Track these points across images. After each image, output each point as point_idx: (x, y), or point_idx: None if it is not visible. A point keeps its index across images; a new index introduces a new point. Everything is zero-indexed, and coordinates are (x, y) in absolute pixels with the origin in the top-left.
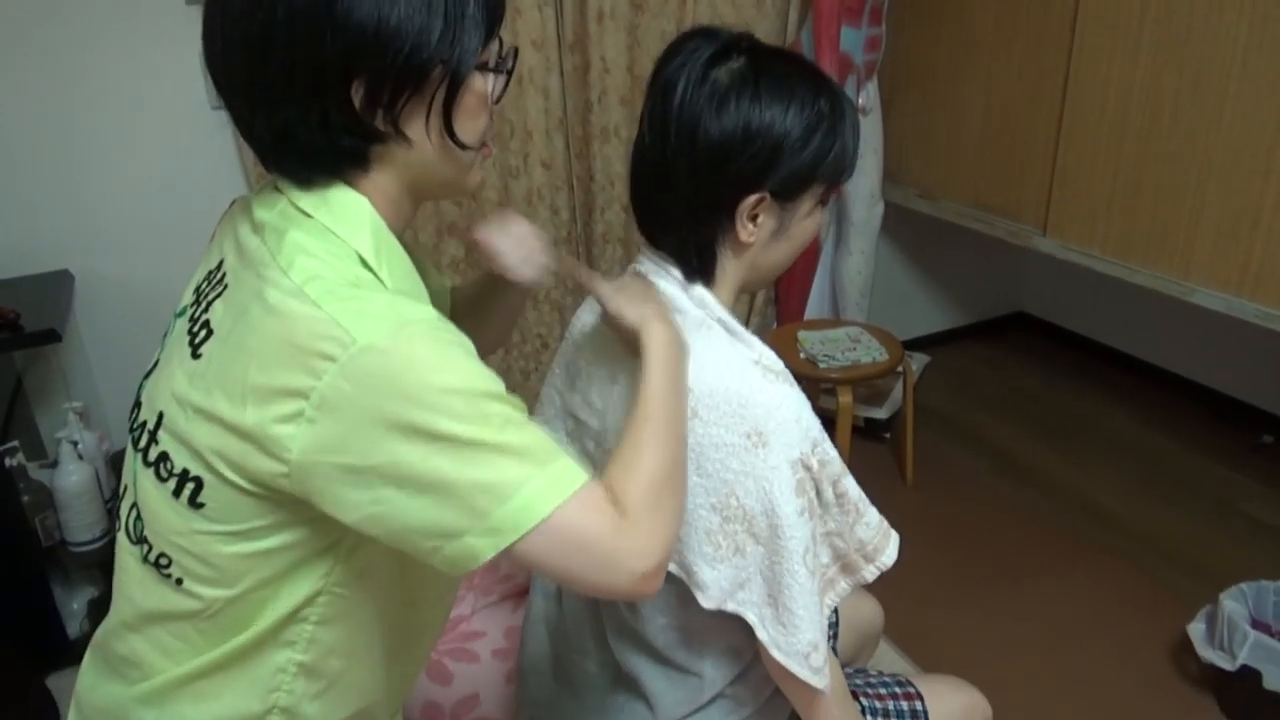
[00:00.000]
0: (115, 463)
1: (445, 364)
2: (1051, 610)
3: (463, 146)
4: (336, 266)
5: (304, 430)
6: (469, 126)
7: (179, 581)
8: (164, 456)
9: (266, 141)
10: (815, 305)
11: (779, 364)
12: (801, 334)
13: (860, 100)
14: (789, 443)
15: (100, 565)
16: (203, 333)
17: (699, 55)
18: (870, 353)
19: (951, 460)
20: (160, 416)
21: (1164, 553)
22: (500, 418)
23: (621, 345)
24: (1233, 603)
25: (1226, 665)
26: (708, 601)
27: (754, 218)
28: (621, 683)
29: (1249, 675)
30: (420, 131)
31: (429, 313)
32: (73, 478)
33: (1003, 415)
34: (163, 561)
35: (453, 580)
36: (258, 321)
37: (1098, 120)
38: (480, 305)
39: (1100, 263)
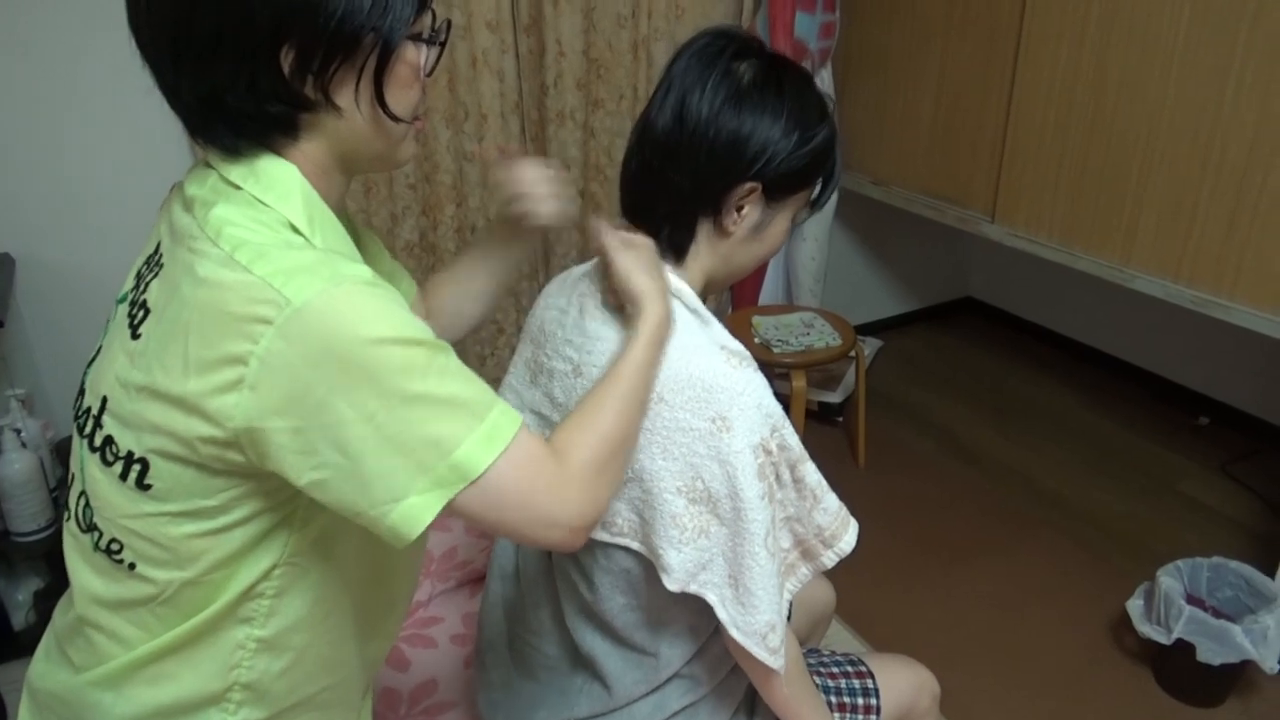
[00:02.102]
0: (60, 451)
1: (379, 319)
2: (997, 588)
3: (394, 118)
4: (265, 234)
5: (246, 397)
6: (400, 97)
7: (132, 566)
8: (109, 440)
9: (193, 108)
10: (769, 291)
11: (742, 349)
12: (756, 319)
13: None
14: (751, 427)
15: (46, 556)
16: (140, 313)
17: (722, 51)
18: (823, 338)
19: (902, 442)
20: (104, 401)
21: (1105, 531)
22: (437, 368)
23: (584, 329)
24: (1169, 579)
25: (1163, 639)
26: (672, 584)
27: (739, 208)
28: (580, 664)
29: (1184, 648)
30: (350, 100)
31: (363, 270)
32: (16, 466)
33: (952, 398)
34: (114, 547)
35: (418, 551)
36: (190, 294)
37: (1044, 110)
38: (483, 261)
39: (1046, 249)
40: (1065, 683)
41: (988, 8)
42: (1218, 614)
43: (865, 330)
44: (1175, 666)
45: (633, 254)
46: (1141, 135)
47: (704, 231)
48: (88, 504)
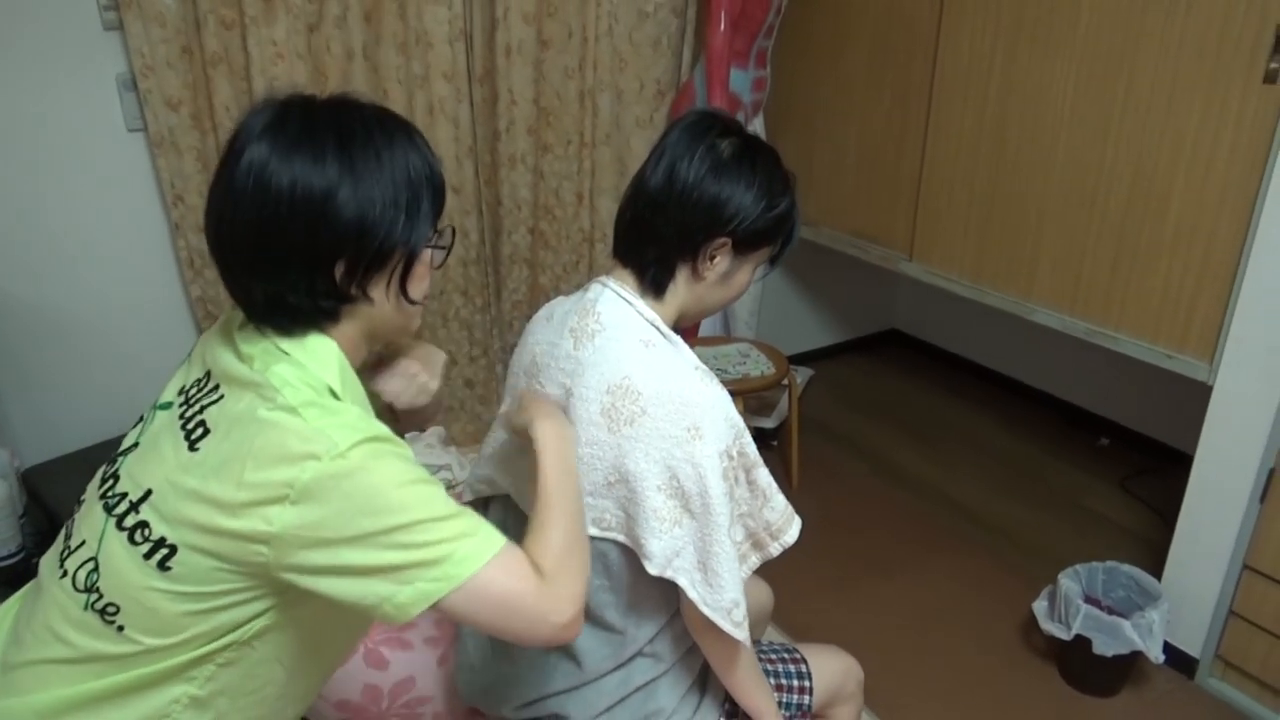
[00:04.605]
0: (25, 480)
1: (398, 470)
2: (917, 596)
3: (412, 302)
4: (312, 394)
5: (288, 510)
6: (418, 288)
7: (121, 629)
8: (143, 524)
9: (259, 303)
10: (708, 323)
11: (707, 370)
12: (696, 349)
13: None
14: (719, 436)
15: (13, 581)
16: (199, 431)
17: (709, 129)
18: (758, 367)
19: (832, 464)
20: (148, 493)
21: (1014, 542)
22: (438, 499)
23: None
24: (1069, 581)
25: (1063, 635)
26: (653, 568)
27: (712, 257)
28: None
29: (1082, 643)
30: (381, 294)
31: (385, 430)
32: None
33: (878, 423)
34: (110, 610)
35: (344, 650)
36: (256, 429)
37: (954, 162)
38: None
39: (958, 285)
40: (979, 678)
41: (903, 68)
42: (1111, 611)
43: (797, 360)
44: (1075, 660)
45: (511, 412)
46: (1037, 183)
47: (682, 274)
48: (95, 569)
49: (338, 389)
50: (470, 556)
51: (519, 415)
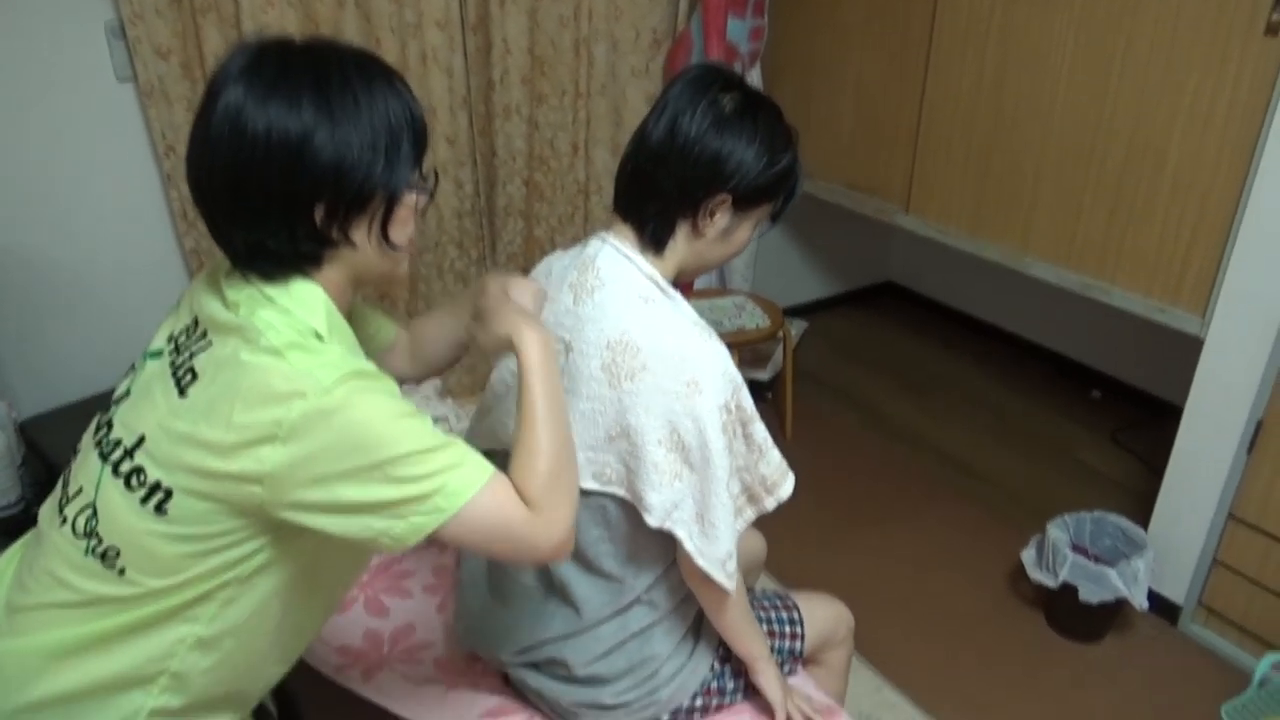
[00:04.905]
0: (23, 432)
1: (382, 403)
2: (908, 545)
3: (395, 247)
4: (296, 336)
5: (279, 449)
6: (400, 232)
7: (122, 571)
8: (138, 470)
9: (242, 250)
10: (704, 276)
11: (707, 325)
12: (692, 302)
13: None
14: (718, 390)
15: (12, 532)
16: (189, 377)
17: (711, 83)
18: (754, 319)
19: (826, 417)
20: (141, 439)
21: (1006, 493)
22: (426, 432)
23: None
24: (1057, 531)
25: (1050, 583)
26: (653, 520)
27: (712, 213)
28: (553, 590)
29: (1068, 591)
30: (363, 238)
31: (368, 366)
32: None
33: (872, 376)
34: (110, 553)
35: (341, 586)
36: (241, 372)
37: (952, 113)
38: (452, 331)
39: (954, 239)
40: (967, 625)
41: (901, 20)
42: (1098, 560)
43: (792, 312)
44: (1062, 607)
45: (482, 318)
46: (1035, 137)
47: (682, 231)
48: (94, 515)
49: (323, 332)
50: (461, 488)
51: (496, 325)
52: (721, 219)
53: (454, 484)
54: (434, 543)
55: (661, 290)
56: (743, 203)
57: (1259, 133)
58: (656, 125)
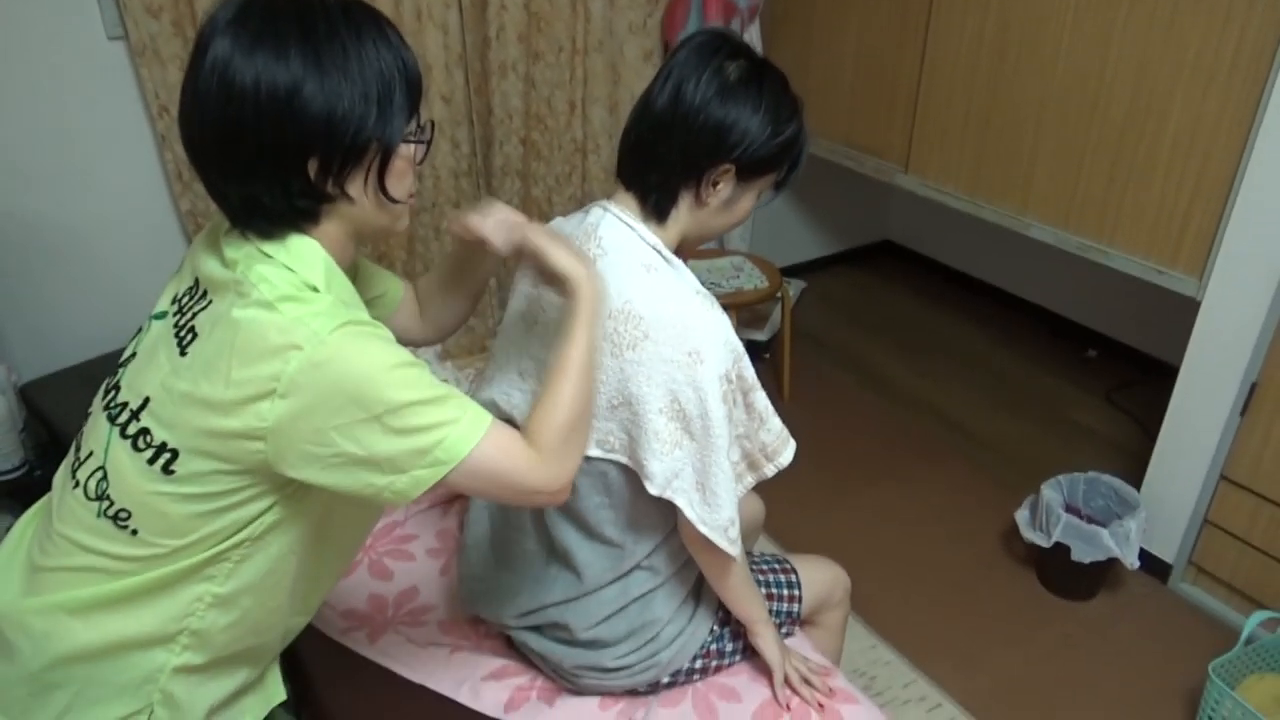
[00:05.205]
0: (25, 395)
1: (379, 351)
2: (904, 505)
3: (393, 200)
4: (292, 290)
5: (278, 404)
6: (398, 185)
7: (134, 532)
8: (144, 431)
9: (237, 206)
10: None
11: (708, 293)
12: (690, 263)
13: None
14: (719, 360)
15: (16, 494)
16: (189, 336)
17: (717, 51)
18: (752, 280)
19: (824, 376)
20: (146, 400)
21: (1001, 453)
22: (424, 381)
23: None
24: (1050, 491)
25: (1043, 543)
26: (653, 489)
27: (715, 183)
28: (555, 556)
29: (1061, 550)
30: (360, 191)
31: (363, 315)
32: None
33: (870, 335)
34: (122, 515)
35: (355, 541)
36: (234, 328)
37: (952, 72)
38: (456, 281)
39: (953, 199)
40: (962, 584)
41: None
42: (1090, 520)
43: (790, 272)
44: (1054, 566)
45: (556, 240)
46: (1036, 97)
47: (684, 200)
48: (104, 478)
49: (320, 285)
50: (460, 440)
51: (563, 253)
52: (725, 189)
53: (453, 437)
54: (436, 505)
55: (664, 258)
56: (746, 173)
57: (1261, 93)
58: (661, 93)
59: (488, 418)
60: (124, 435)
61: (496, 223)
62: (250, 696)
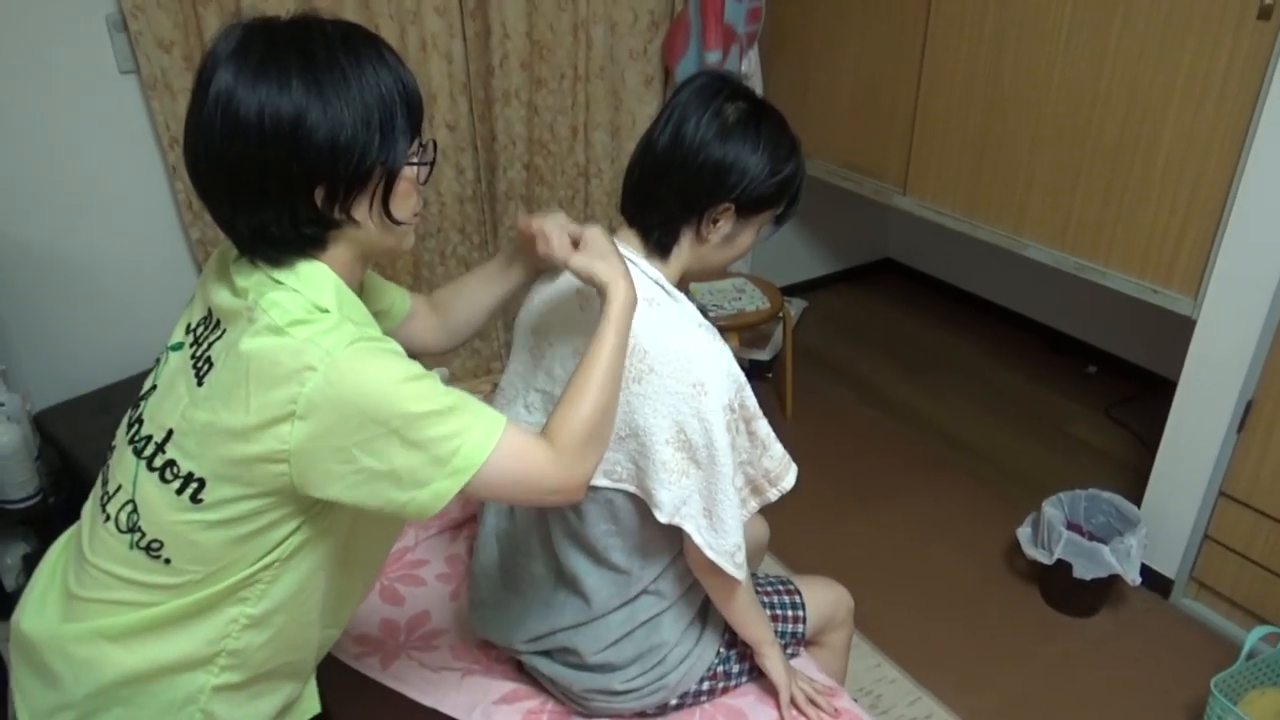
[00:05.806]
0: (38, 423)
1: (391, 365)
2: (906, 522)
3: (398, 222)
4: (301, 313)
5: (298, 426)
6: (403, 206)
7: (168, 561)
8: (171, 463)
9: (245, 236)
10: None
11: (710, 325)
12: (693, 285)
13: (743, 67)
14: (723, 390)
15: (32, 522)
16: (206, 366)
17: (718, 93)
18: (754, 301)
19: (826, 394)
20: (169, 432)
21: (1002, 470)
22: (436, 392)
23: (580, 315)
24: (1052, 509)
25: (1045, 560)
26: (662, 516)
27: (715, 220)
28: (563, 581)
29: (1063, 567)
30: (365, 215)
31: (374, 331)
32: (4, 439)
33: (871, 353)
34: (154, 545)
35: (381, 554)
36: (247, 355)
37: (948, 94)
38: (489, 279)
39: (950, 219)
40: (964, 600)
41: (898, 1)
42: (1092, 537)
43: (791, 291)
44: (1056, 583)
45: (588, 248)
46: (1031, 119)
47: (686, 237)
48: (134, 510)
49: (331, 308)
50: (477, 448)
51: (599, 257)
52: (725, 225)
53: (469, 445)
54: (445, 530)
55: (666, 292)
56: (746, 210)
57: (1251, 116)
58: (662, 133)
59: (501, 421)
60: (151, 468)
61: (556, 224)
62: (290, 717)
